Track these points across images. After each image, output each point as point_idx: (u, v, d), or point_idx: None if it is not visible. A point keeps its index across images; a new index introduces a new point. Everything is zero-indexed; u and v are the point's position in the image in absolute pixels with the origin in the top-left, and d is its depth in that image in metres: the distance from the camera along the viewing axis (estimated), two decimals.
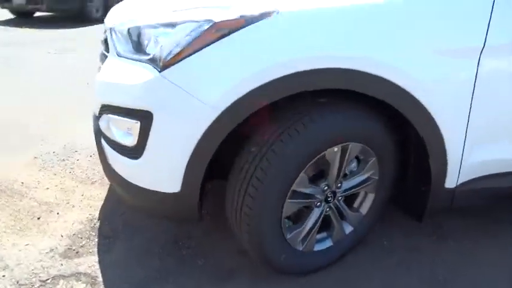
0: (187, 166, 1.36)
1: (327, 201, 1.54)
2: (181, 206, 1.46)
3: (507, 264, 1.71)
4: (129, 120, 1.41)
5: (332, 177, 1.49)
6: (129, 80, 1.38)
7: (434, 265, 1.69)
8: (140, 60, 1.40)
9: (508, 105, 1.43)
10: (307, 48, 1.25)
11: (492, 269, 1.68)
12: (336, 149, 1.41)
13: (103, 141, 1.64)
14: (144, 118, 1.36)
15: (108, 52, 1.66)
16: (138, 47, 1.44)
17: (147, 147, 1.39)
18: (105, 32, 1.93)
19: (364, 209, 1.66)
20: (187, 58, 1.27)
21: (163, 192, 1.44)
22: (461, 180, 1.54)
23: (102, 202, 2.12)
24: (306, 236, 1.54)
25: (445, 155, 1.45)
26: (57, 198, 2.14)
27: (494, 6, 1.31)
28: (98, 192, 2.21)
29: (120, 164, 1.54)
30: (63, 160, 2.56)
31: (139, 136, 1.40)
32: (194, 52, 1.26)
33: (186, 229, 1.90)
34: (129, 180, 1.52)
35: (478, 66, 1.35)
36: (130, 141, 1.44)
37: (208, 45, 1.26)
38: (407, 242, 1.82)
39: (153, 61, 1.34)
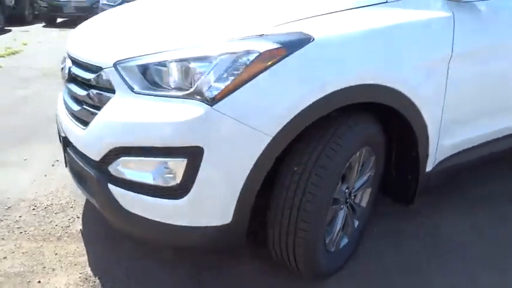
0: (239, 195, 1.38)
1: (345, 202, 1.72)
2: (231, 236, 1.46)
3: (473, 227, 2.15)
4: (169, 159, 1.35)
5: (352, 180, 1.67)
6: (167, 118, 1.31)
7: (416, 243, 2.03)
8: (173, 96, 1.35)
9: (469, 98, 1.83)
10: (342, 69, 1.40)
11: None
12: (358, 154, 1.60)
13: (112, 187, 1.50)
14: (193, 154, 1.31)
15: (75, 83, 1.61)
16: (166, 82, 1.37)
17: (195, 183, 1.35)
18: (69, 61, 1.75)
19: (364, 203, 1.89)
20: (239, 89, 1.29)
21: (213, 226, 1.41)
22: (436, 163, 1.90)
23: (86, 256, 1.88)
24: (336, 237, 1.69)
25: (428, 142, 1.77)
26: (27, 265, 1.82)
27: (455, 28, 1.66)
28: (74, 246, 1.95)
29: (151, 206, 1.44)
30: (1, 221, 2.15)
31: (184, 174, 1.35)
32: (244, 83, 1.29)
33: (198, 265, 1.84)
34: (165, 221, 1.44)
35: (448, 70, 1.69)
36: (170, 180, 1.37)
37: (257, 75, 1.30)
38: (392, 226, 2.11)
39: (196, 95, 1.31)
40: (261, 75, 1.30)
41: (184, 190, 1.37)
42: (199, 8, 1.87)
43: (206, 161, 1.32)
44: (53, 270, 1.79)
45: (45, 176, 2.63)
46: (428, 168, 1.87)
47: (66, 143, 1.76)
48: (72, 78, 1.76)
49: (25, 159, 2.85)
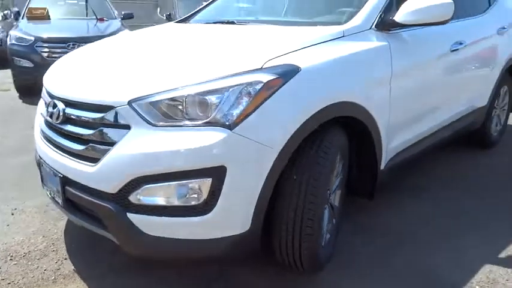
0: (256, 204, 1.61)
1: (328, 203, 2.03)
2: (250, 242, 1.66)
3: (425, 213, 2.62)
4: (194, 180, 1.53)
5: (333, 182, 1.99)
6: (192, 144, 1.50)
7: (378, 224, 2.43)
8: (192, 126, 1.54)
9: (406, 106, 2.30)
10: (325, 91, 1.74)
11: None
12: (338, 158, 1.93)
13: (132, 215, 1.62)
14: (217, 173, 1.52)
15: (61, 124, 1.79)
16: (183, 114, 1.56)
17: (220, 198, 1.54)
18: (61, 103, 1.82)
19: (337, 203, 2.22)
20: (252, 114, 1.54)
21: (236, 235, 1.61)
22: (387, 161, 2.32)
23: None
24: (325, 233, 1.99)
25: (381, 144, 2.18)
26: None
27: (391, 53, 2.12)
28: (73, 286, 1.95)
29: (176, 226, 1.60)
30: None
31: (210, 191, 1.54)
32: (256, 108, 1.55)
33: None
34: (192, 238, 1.60)
35: (389, 86, 2.14)
36: (195, 199, 1.55)
37: (264, 101, 1.56)
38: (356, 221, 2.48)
39: (215, 122, 1.52)
40: (266, 102, 1.57)
41: (210, 206, 1.55)
42: (184, 44, 2.10)
43: (229, 178, 1.53)
44: None
45: (8, 225, 2.51)
46: (382, 166, 2.28)
47: (65, 183, 1.81)
48: (67, 120, 1.82)
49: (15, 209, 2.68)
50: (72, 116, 1.79)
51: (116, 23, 6.99)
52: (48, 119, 1.93)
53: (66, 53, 5.95)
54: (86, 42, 6.13)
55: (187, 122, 1.56)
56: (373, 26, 2.12)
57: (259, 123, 1.56)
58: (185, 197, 1.56)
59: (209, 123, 1.53)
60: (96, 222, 1.77)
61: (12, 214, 2.64)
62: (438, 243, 2.30)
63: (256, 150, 1.56)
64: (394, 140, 2.31)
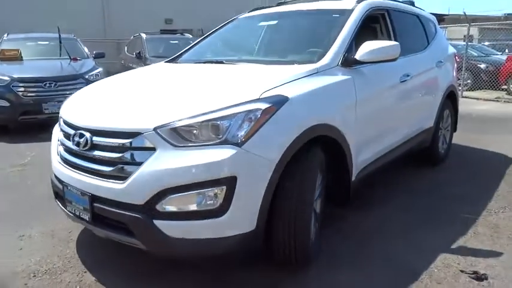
0: (260, 206, 2.00)
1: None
2: (255, 239, 2.04)
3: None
4: (212, 189, 1.91)
5: (315, 191, 2.42)
6: (210, 159, 1.89)
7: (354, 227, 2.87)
8: (211, 145, 1.93)
9: (368, 127, 2.80)
10: (308, 115, 2.20)
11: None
12: (318, 171, 2.37)
13: (158, 222, 1.96)
14: (230, 182, 1.91)
15: (86, 150, 2.14)
16: (200, 136, 1.95)
17: (232, 203, 1.93)
18: (87, 132, 2.15)
19: (318, 209, 2.64)
20: (255, 134, 1.96)
21: (245, 233, 1.99)
22: (356, 173, 2.79)
23: None
24: (313, 233, 2.39)
25: (352, 159, 2.65)
26: None
27: (355, 85, 2.64)
28: None
29: (196, 228, 1.96)
30: None
31: (224, 197, 1.92)
32: (257, 130, 1.97)
33: None
34: (209, 237, 1.96)
35: (355, 111, 2.64)
36: (212, 205, 1.93)
37: (263, 124, 2.00)
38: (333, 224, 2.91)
39: (227, 142, 1.92)
40: (265, 124, 2.00)
41: (224, 209, 1.93)
42: (187, 79, 2.54)
43: (239, 185, 1.92)
44: None
45: (21, 249, 2.73)
46: (353, 178, 2.75)
47: (93, 200, 2.12)
48: (94, 146, 2.15)
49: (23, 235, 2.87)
50: (100, 143, 2.13)
51: (90, 62, 7.29)
52: (74, 147, 2.25)
53: (42, 92, 6.24)
54: (62, 81, 6.43)
55: (203, 143, 1.95)
56: (339, 64, 2.64)
57: (261, 141, 1.98)
58: (204, 203, 1.93)
59: (222, 143, 1.94)
60: (122, 232, 2.08)
61: (21, 240, 2.85)
62: (399, 237, 2.77)
63: (259, 162, 1.97)
64: (361, 155, 2.79)
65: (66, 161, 2.35)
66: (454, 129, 4.75)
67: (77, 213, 2.26)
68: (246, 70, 2.67)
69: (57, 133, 2.64)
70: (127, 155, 2.03)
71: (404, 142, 3.51)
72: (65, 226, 3.01)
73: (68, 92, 6.44)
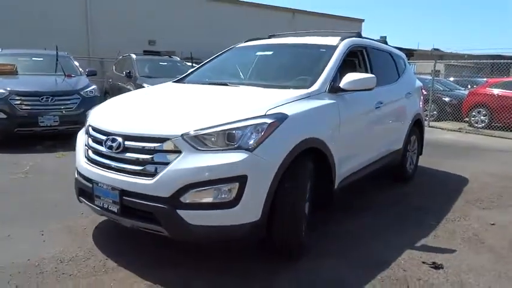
0: (265, 200, 2.47)
1: None
2: (259, 228, 2.49)
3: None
4: (229, 184, 2.36)
5: (305, 195, 2.90)
6: (227, 160, 2.36)
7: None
8: (227, 150, 2.40)
9: (349, 144, 3.33)
10: (302, 130, 2.71)
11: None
12: (308, 177, 2.87)
13: (180, 211, 2.39)
14: (241, 179, 2.38)
15: (112, 152, 2.58)
16: (218, 142, 2.42)
17: (243, 196, 2.39)
18: (119, 137, 2.57)
19: (306, 212, 3.11)
20: (263, 142, 2.45)
21: (252, 221, 2.44)
22: (338, 183, 3.30)
23: (139, 277, 2.55)
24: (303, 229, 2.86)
25: (335, 169, 3.15)
26: None
27: (339, 108, 3.19)
28: (122, 274, 2.59)
29: (212, 217, 2.39)
30: (41, 273, 2.59)
31: (237, 192, 2.38)
32: (264, 139, 2.46)
33: None
34: (223, 224, 2.40)
35: (339, 129, 3.17)
36: (227, 197, 2.38)
37: (269, 135, 2.49)
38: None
39: (240, 148, 2.40)
40: (270, 135, 2.49)
41: (236, 202, 2.39)
42: (201, 97, 3.05)
43: (249, 182, 2.39)
44: None
45: (44, 241, 3.06)
46: (335, 186, 3.26)
47: (122, 194, 2.53)
48: (126, 149, 2.57)
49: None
50: (131, 146, 2.56)
51: (84, 79, 7.64)
52: (104, 150, 2.66)
53: (39, 105, 6.53)
54: (58, 96, 6.74)
55: (220, 148, 2.42)
56: (326, 90, 3.18)
57: (267, 148, 2.47)
58: (220, 196, 2.38)
59: (236, 148, 2.41)
60: (148, 221, 2.50)
61: (42, 234, 3.18)
62: (373, 237, 3.28)
63: (265, 165, 2.45)
64: (342, 168, 3.31)
65: (95, 162, 2.75)
66: (420, 152, 5.39)
67: (105, 206, 2.65)
68: (249, 91, 3.17)
69: (82, 138, 3.04)
70: (156, 156, 2.47)
71: (378, 159, 4.07)
72: (79, 223, 3.37)
73: (63, 107, 6.79)
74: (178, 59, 10.43)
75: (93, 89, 7.28)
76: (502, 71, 13.12)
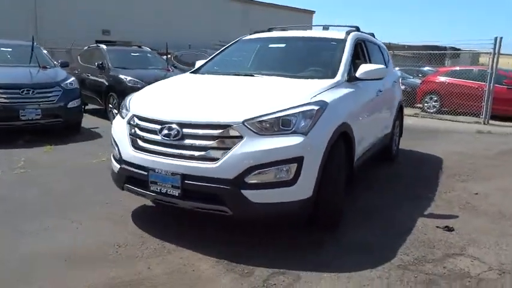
0: (315, 178, 2.78)
1: None
2: (310, 203, 2.79)
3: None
4: (288, 165, 2.64)
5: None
6: (286, 143, 2.63)
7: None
8: (283, 134, 2.67)
9: (362, 128, 3.65)
10: (338, 116, 3.04)
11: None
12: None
13: (244, 191, 2.63)
14: (299, 160, 2.66)
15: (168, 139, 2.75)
16: (276, 127, 2.67)
17: (300, 175, 2.68)
18: (175, 125, 2.75)
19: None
20: (314, 126, 2.74)
21: (306, 198, 2.74)
22: (356, 160, 3.67)
23: (200, 255, 2.76)
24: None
25: (355, 150, 3.53)
26: (177, 270, 2.59)
27: (357, 98, 3.56)
28: (187, 253, 2.78)
29: (273, 194, 2.66)
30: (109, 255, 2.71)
31: (295, 171, 2.66)
32: (315, 123, 2.76)
33: None
34: (283, 201, 2.68)
35: (357, 115, 3.54)
36: (287, 177, 2.66)
37: (317, 120, 2.79)
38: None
39: (295, 132, 2.68)
40: (318, 120, 2.80)
41: (294, 180, 2.67)
42: (239, 86, 3.31)
43: (305, 163, 2.68)
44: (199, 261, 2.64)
45: (84, 231, 3.14)
46: (354, 164, 3.63)
47: (184, 178, 2.71)
48: (184, 136, 2.75)
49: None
50: (191, 133, 2.74)
51: (62, 71, 7.42)
52: (160, 138, 2.81)
53: (19, 98, 6.29)
54: (40, 89, 6.53)
55: (280, 132, 2.68)
56: (346, 80, 3.53)
57: (317, 132, 2.77)
58: (280, 176, 2.65)
59: (292, 133, 2.69)
60: (211, 202, 2.71)
61: (81, 224, 3.25)
62: (385, 211, 3.71)
63: (316, 146, 2.75)
64: (358, 148, 3.69)
65: (148, 150, 2.89)
66: (401, 134, 5.97)
67: (163, 191, 2.81)
68: (282, 81, 3.43)
69: (122, 129, 3.13)
70: (218, 142, 2.68)
71: (378, 142, 4.52)
72: (113, 211, 3.48)
73: (44, 100, 6.57)
74: (149, 49, 10.30)
75: (72, 80, 7.10)
76: (437, 61, 14.51)
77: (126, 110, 3.23)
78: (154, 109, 3.01)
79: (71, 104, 6.84)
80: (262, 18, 25.58)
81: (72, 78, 7.18)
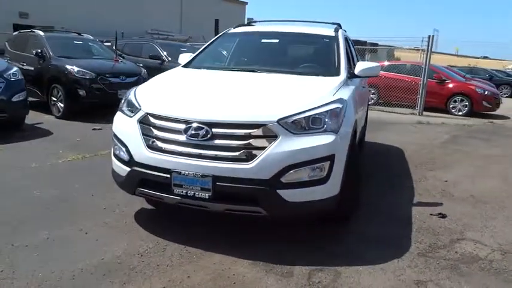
0: (342, 175, 2.85)
1: None
2: (337, 200, 2.87)
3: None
4: (322, 163, 2.67)
5: None
6: (321, 142, 2.65)
7: None
8: (316, 133, 2.69)
9: (358, 121, 3.86)
10: (354, 112, 3.14)
11: None
12: None
13: (280, 191, 2.62)
14: (332, 158, 2.71)
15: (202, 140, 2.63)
16: (309, 125, 2.68)
17: (332, 173, 2.73)
18: (204, 125, 2.64)
19: None
20: (342, 124, 2.81)
21: (335, 195, 2.81)
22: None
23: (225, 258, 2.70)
24: None
25: (357, 133, 3.67)
26: (213, 276, 2.50)
27: (355, 93, 3.69)
28: (219, 258, 2.69)
29: (308, 193, 2.68)
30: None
31: (328, 169, 2.71)
32: (342, 121, 2.82)
33: None
34: (317, 199, 2.71)
35: (356, 109, 3.69)
36: (320, 175, 2.69)
37: (343, 117, 2.85)
38: None
39: (327, 130, 2.71)
40: (344, 118, 2.86)
41: (327, 178, 2.71)
42: (253, 83, 3.27)
43: (336, 160, 2.74)
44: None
45: (96, 240, 2.89)
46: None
47: (215, 180, 2.61)
48: (214, 136, 2.64)
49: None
50: (221, 133, 2.64)
51: (2, 61, 6.62)
52: (182, 139, 2.67)
53: None
54: None
55: (311, 131, 2.70)
56: (347, 77, 3.65)
57: (343, 129, 2.83)
58: (314, 174, 2.68)
59: (323, 131, 2.72)
60: (245, 203, 2.66)
61: (86, 233, 2.98)
62: (378, 203, 3.93)
63: (344, 143, 2.83)
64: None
65: (170, 152, 2.72)
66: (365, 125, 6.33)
67: (190, 194, 2.68)
68: (295, 79, 3.46)
69: (132, 129, 2.91)
70: (252, 141, 2.61)
71: (361, 134, 4.75)
72: (115, 218, 3.25)
73: None
74: (91, 37, 9.55)
75: (16, 71, 6.36)
76: (359, 55, 15.52)
77: (133, 107, 3.00)
78: (176, 108, 2.83)
79: (15, 98, 6.14)
80: (195, 7, 25.03)
81: (15, 69, 6.43)
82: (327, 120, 2.76)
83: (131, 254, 2.70)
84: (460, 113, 11.21)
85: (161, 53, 9.98)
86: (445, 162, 5.69)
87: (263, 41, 4.27)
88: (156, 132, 2.81)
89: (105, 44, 10.58)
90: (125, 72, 8.07)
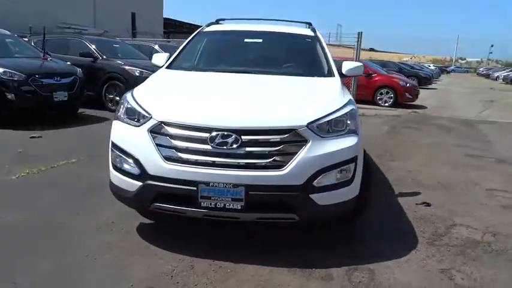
0: (361, 175, 2.93)
1: None
2: (355, 202, 2.92)
3: None
4: (348, 165, 2.72)
5: None
6: (347, 144, 2.69)
7: None
8: (340, 135, 2.71)
9: None
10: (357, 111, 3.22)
11: None
12: None
13: (313, 195, 2.62)
14: (355, 159, 2.77)
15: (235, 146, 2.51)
16: (333, 127, 2.70)
17: (356, 174, 2.79)
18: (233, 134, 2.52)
19: None
20: (358, 125, 2.87)
21: (356, 195, 2.87)
22: None
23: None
24: None
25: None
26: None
27: (342, 87, 3.80)
28: (251, 268, 2.59)
29: (336, 195, 2.70)
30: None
31: (353, 171, 2.76)
32: (358, 122, 2.89)
33: None
34: (342, 201, 2.74)
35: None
36: (346, 177, 2.73)
37: (357, 118, 2.92)
38: None
39: (349, 132, 2.76)
40: (358, 118, 2.93)
41: (352, 180, 2.76)
42: (260, 85, 3.21)
43: (358, 161, 2.80)
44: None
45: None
46: None
47: (248, 189, 2.51)
48: (243, 144, 2.52)
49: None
50: (251, 140, 2.53)
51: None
52: (208, 148, 2.51)
53: None
54: None
55: (336, 133, 2.72)
56: (338, 76, 3.74)
57: (360, 130, 2.91)
58: (342, 176, 2.71)
59: (347, 133, 2.76)
60: (278, 210, 2.60)
61: (95, 259, 2.67)
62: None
63: (361, 144, 2.89)
64: None
65: (192, 162, 2.55)
66: None
67: (220, 206, 2.54)
68: (303, 81, 3.48)
69: (143, 140, 2.66)
70: (284, 147, 2.55)
71: None
72: (119, 238, 2.97)
73: None
74: (8, 32, 8.43)
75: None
76: None
77: (139, 115, 2.74)
78: (197, 115, 2.64)
79: None
80: (110, 0, 23.54)
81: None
82: (348, 122, 2.80)
83: (160, 276, 2.49)
84: (387, 104, 12.19)
85: (93, 50, 9.18)
86: (400, 153, 6.14)
87: (246, 40, 4.17)
88: (174, 142, 2.60)
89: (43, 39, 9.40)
90: (59, 72, 7.28)
